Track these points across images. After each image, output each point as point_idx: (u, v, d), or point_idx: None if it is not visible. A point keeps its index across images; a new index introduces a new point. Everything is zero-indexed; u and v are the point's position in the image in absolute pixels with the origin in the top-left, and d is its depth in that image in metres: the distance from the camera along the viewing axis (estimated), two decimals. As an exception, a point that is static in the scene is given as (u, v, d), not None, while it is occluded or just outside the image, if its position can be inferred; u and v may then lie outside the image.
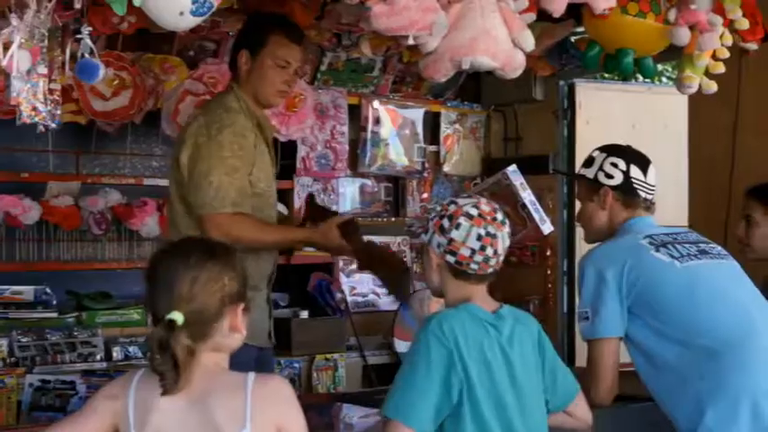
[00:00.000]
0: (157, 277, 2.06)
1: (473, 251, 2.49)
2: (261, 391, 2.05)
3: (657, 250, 2.90)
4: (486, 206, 2.53)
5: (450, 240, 2.50)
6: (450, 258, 2.51)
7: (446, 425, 2.44)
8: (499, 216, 2.53)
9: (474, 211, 2.51)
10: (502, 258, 2.54)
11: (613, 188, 3.05)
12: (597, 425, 2.67)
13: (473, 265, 2.50)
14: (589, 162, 3.13)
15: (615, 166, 3.06)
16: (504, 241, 2.53)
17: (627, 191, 3.04)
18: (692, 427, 2.74)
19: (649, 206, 3.08)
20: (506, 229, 2.54)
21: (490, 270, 2.52)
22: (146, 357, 3.38)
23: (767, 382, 2.74)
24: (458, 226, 2.49)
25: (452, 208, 2.53)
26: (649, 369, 2.87)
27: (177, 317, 1.99)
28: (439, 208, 2.58)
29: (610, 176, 3.05)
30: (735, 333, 2.79)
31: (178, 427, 2.03)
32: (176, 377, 1.99)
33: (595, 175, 3.08)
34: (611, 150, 3.11)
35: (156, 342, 1.98)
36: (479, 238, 2.48)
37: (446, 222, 2.51)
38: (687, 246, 2.95)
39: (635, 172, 3.05)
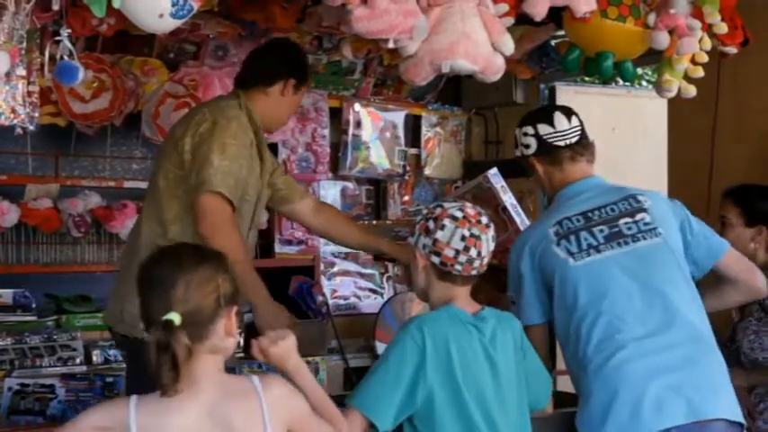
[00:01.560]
0: (151, 282, 2.07)
1: (457, 252, 2.55)
2: (271, 393, 2.10)
3: (559, 243, 2.90)
4: (471, 209, 2.59)
5: (435, 241, 2.56)
6: (435, 259, 2.57)
7: (418, 425, 2.48)
8: (484, 219, 2.59)
9: (459, 214, 2.57)
10: (486, 261, 2.60)
11: (535, 155, 3.07)
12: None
13: (457, 266, 2.56)
14: (514, 143, 3.17)
15: (527, 134, 3.08)
16: (487, 244, 2.58)
17: (545, 150, 3.04)
18: None
19: (574, 155, 3.04)
20: (491, 232, 2.60)
21: (474, 272, 2.58)
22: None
23: (616, 388, 2.72)
24: (442, 227, 2.56)
25: (438, 211, 2.60)
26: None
27: (174, 317, 2.00)
28: (425, 211, 2.64)
29: (527, 146, 3.08)
30: (602, 346, 2.78)
31: None
32: (176, 377, 1.99)
33: (521, 151, 3.11)
34: (521, 122, 3.13)
35: (154, 344, 1.99)
36: (463, 238, 2.54)
37: (431, 224, 2.58)
38: (599, 229, 2.91)
39: (543, 129, 3.05)
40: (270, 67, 3.38)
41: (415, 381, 2.45)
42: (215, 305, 2.06)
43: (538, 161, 3.08)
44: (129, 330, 3.14)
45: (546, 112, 3.14)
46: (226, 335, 2.09)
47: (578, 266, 2.87)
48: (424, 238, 2.58)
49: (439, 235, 2.55)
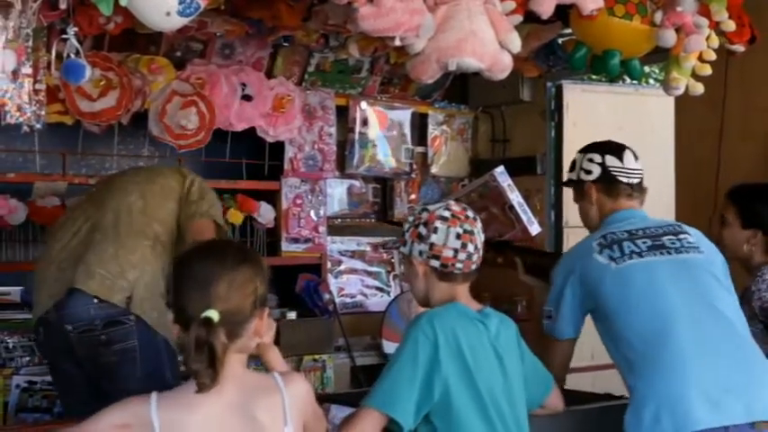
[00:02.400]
0: (191, 277, 2.07)
1: (455, 251, 2.56)
2: (292, 391, 2.13)
3: (601, 252, 2.92)
4: (455, 206, 2.62)
5: (432, 245, 2.57)
6: (435, 263, 2.58)
7: (435, 422, 2.47)
8: (470, 213, 2.62)
9: (447, 213, 2.59)
10: (482, 253, 2.61)
11: (594, 182, 3.10)
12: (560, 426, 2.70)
13: (458, 265, 2.57)
14: (572, 166, 3.20)
15: (592, 161, 3.11)
16: (480, 236, 2.61)
17: (607, 180, 3.09)
18: None
19: (632, 192, 3.09)
20: (479, 224, 2.62)
21: (474, 267, 2.60)
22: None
23: (670, 388, 2.72)
24: (435, 230, 2.57)
25: (425, 215, 2.61)
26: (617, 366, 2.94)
27: (214, 314, 2.01)
28: (412, 218, 2.65)
29: (589, 172, 3.11)
30: (650, 334, 2.80)
31: None
32: (213, 374, 2.00)
33: (578, 175, 3.14)
34: (587, 148, 3.18)
35: (193, 340, 1.99)
36: (458, 236, 2.56)
37: (423, 229, 2.59)
38: (642, 241, 2.94)
39: (610, 160, 3.09)
40: None
41: (431, 375, 2.45)
42: (252, 306, 2.09)
43: (595, 188, 3.11)
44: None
45: (617, 146, 3.16)
46: (255, 335, 2.12)
47: (620, 268, 2.88)
48: (419, 244, 2.58)
49: (434, 238, 2.56)
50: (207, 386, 2.00)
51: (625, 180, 3.08)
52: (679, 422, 2.67)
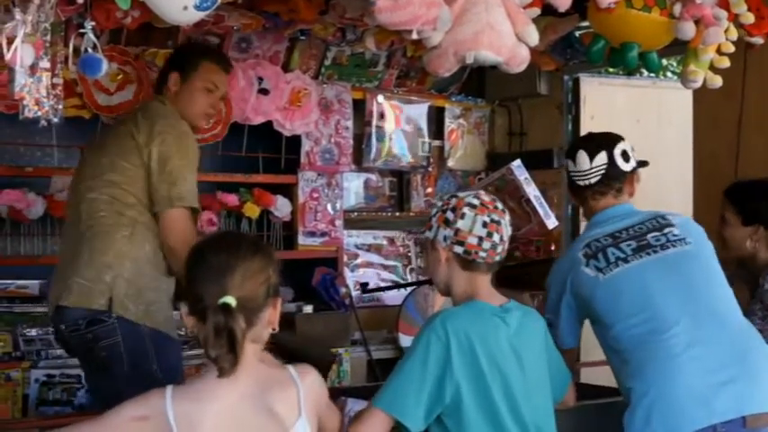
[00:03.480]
0: (206, 266, 2.10)
1: (480, 239, 2.53)
2: (306, 383, 2.17)
3: (588, 263, 2.91)
4: (486, 197, 2.59)
5: (457, 231, 2.54)
6: (459, 249, 2.55)
7: (446, 422, 2.46)
8: (499, 205, 2.60)
9: (476, 201, 2.56)
10: (507, 246, 2.59)
11: (570, 189, 3.14)
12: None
13: (482, 254, 2.54)
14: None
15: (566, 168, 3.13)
16: (507, 228, 2.59)
17: (571, 186, 3.10)
18: None
19: (595, 194, 3.04)
20: (507, 216, 2.60)
21: (497, 258, 2.57)
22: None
23: (661, 388, 2.72)
24: (462, 216, 2.54)
25: (454, 201, 2.59)
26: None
27: (231, 300, 2.04)
28: (440, 204, 2.63)
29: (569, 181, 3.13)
30: (644, 339, 2.79)
31: (237, 424, 2.07)
32: (234, 359, 2.03)
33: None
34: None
35: (212, 327, 2.02)
36: (485, 225, 2.53)
37: (450, 215, 2.56)
38: (627, 244, 2.92)
39: (570, 165, 3.08)
40: (162, 71, 3.61)
41: (442, 377, 2.42)
42: (265, 294, 2.12)
43: (573, 195, 3.17)
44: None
45: (574, 146, 3.13)
46: (268, 324, 2.15)
47: (608, 279, 2.87)
48: (444, 229, 2.56)
49: (460, 224, 2.53)
50: (227, 371, 2.03)
51: (581, 183, 3.04)
52: (670, 423, 2.67)
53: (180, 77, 3.47)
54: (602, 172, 3.03)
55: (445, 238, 2.56)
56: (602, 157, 3.03)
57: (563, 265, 3.03)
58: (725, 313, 2.86)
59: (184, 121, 3.40)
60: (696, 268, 2.92)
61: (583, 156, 3.04)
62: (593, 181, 3.03)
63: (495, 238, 2.54)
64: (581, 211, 3.16)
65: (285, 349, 2.99)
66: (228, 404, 2.07)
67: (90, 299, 3.17)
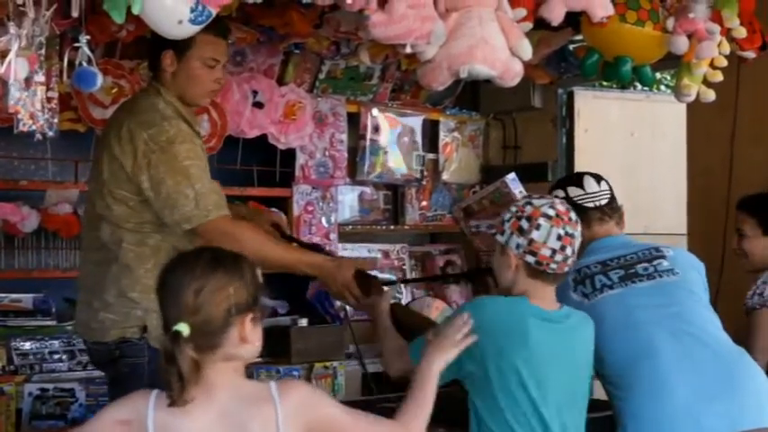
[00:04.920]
0: (166, 288, 2.05)
1: (554, 251, 2.56)
2: (288, 400, 2.05)
3: (575, 289, 2.92)
4: (560, 206, 2.61)
5: (531, 241, 2.56)
6: (531, 258, 2.57)
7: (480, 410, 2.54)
8: (573, 216, 2.61)
9: (552, 212, 2.57)
10: (576, 258, 2.63)
11: None
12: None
13: (552, 265, 2.57)
14: None
15: (557, 197, 3.08)
16: (578, 240, 2.61)
17: (576, 212, 3.06)
18: None
19: (603, 216, 3.06)
20: (579, 227, 2.62)
21: (566, 269, 2.61)
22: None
23: (652, 410, 2.73)
24: (538, 227, 2.55)
25: (529, 209, 2.58)
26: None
27: (183, 328, 1.97)
28: (514, 209, 2.62)
29: None
30: (630, 361, 2.80)
31: None
32: (182, 388, 1.97)
33: None
34: (552, 187, 3.17)
35: (163, 353, 1.97)
36: (559, 238, 2.55)
37: (525, 223, 2.57)
38: (615, 272, 2.93)
39: (573, 191, 3.08)
40: (152, 51, 3.21)
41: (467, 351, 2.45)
42: (225, 314, 2.02)
43: None
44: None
45: (576, 176, 3.17)
46: (240, 342, 2.04)
47: (593, 304, 2.88)
48: (518, 237, 2.57)
49: (535, 235, 2.55)
50: (178, 400, 1.97)
51: (591, 204, 3.05)
52: None
53: (175, 56, 3.11)
54: (609, 195, 3.08)
55: (518, 246, 2.58)
56: (606, 184, 3.11)
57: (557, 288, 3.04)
58: (711, 333, 2.87)
59: (174, 118, 3.09)
60: (680, 294, 2.93)
61: (589, 180, 3.09)
62: (602, 202, 3.06)
63: (568, 251, 2.57)
64: None
65: (394, 315, 3.05)
66: (207, 421, 2.02)
67: (124, 330, 3.08)
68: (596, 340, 2.81)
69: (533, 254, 2.56)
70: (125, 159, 3.03)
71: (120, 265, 3.08)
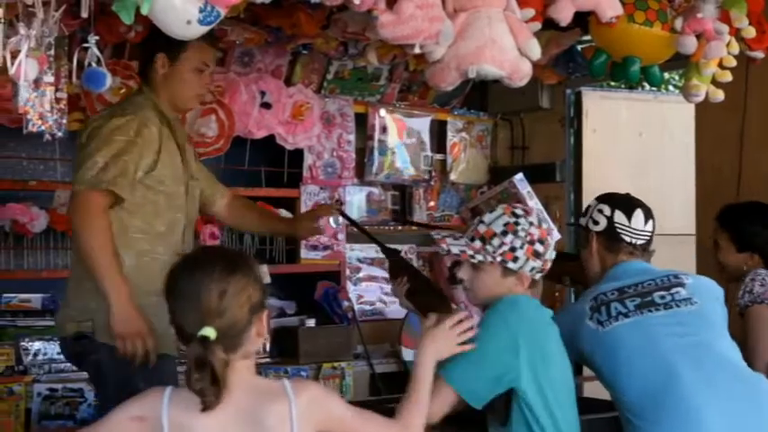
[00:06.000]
0: (181, 292, 2.03)
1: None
2: (302, 397, 2.08)
3: (591, 317, 2.91)
4: (543, 214, 2.92)
5: (545, 261, 2.69)
6: (539, 274, 2.72)
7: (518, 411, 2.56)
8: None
9: (546, 225, 2.80)
10: None
11: (598, 234, 3.08)
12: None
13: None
14: (585, 211, 3.20)
15: (601, 212, 3.09)
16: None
17: (609, 236, 3.06)
18: None
19: (633, 251, 3.05)
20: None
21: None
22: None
23: None
24: (549, 246, 2.70)
25: (536, 232, 2.68)
26: None
27: (210, 332, 1.98)
28: (523, 234, 2.66)
29: (596, 222, 3.09)
30: (652, 389, 2.77)
31: None
32: (217, 392, 1.98)
33: (586, 222, 3.13)
34: (601, 198, 3.16)
35: (192, 360, 1.97)
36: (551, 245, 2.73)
37: (539, 247, 2.67)
38: (631, 300, 2.91)
39: (618, 217, 3.05)
40: (144, 53, 3.32)
41: (505, 361, 2.53)
42: (248, 315, 2.05)
43: (597, 240, 3.10)
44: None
45: (630, 203, 3.11)
46: (257, 337, 2.09)
47: (607, 332, 2.87)
48: (534, 261, 2.66)
49: (548, 255, 2.69)
50: (212, 404, 1.98)
51: (628, 239, 3.04)
52: None
53: (167, 59, 3.19)
54: (648, 238, 3.07)
55: (532, 269, 2.67)
56: (651, 225, 3.08)
57: (571, 314, 3.04)
58: (731, 360, 2.85)
59: (147, 108, 3.15)
60: (698, 323, 2.90)
61: (639, 216, 3.06)
62: (639, 242, 3.05)
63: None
64: (593, 250, 3.12)
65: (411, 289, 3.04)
66: (222, 419, 2.03)
67: (79, 324, 3.07)
68: (613, 368, 2.83)
69: (542, 270, 2.70)
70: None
71: (77, 251, 3.10)
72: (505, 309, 2.61)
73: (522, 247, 2.64)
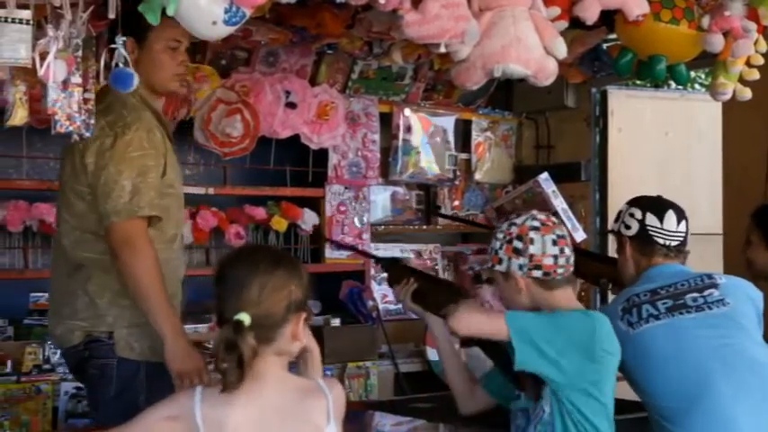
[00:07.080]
0: (226, 280, 2.11)
1: (555, 257, 2.62)
2: (334, 393, 2.16)
3: (622, 318, 2.89)
4: (541, 215, 2.67)
5: (531, 257, 2.61)
6: (537, 273, 2.62)
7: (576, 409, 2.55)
8: (555, 219, 2.71)
9: (536, 223, 2.64)
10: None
11: (631, 238, 3.05)
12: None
13: (559, 270, 2.63)
14: (617, 216, 3.16)
15: (632, 216, 3.05)
16: (569, 237, 2.69)
17: (642, 239, 3.03)
18: None
19: (668, 253, 3.01)
20: (564, 227, 2.71)
21: (572, 268, 2.67)
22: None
23: None
24: (531, 241, 2.61)
25: (515, 229, 2.64)
26: None
27: (245, 318, 2.04)
28: (501, 235, 2.66)
29: (628, 227, 3.06)
30: (685, 393, 2.76)
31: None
32: (239, 375, 2.03)
33: (618, 227, 3.10)
34: (632, 202, 3.12)
35: (223, 342, 2.03)
36: (555, 243, 2.62)
37: (518, 243, 2.62)
38: (663, 302, 2.89)
39: (650, 219, 3.02)
40: (111, 41, 2.91)
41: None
42: (285, 311, 2.10)
43: (630, 244, 3.06)
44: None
45: (661, 205, 3.08)
46: (292, 339, 2.13)
47: (637, 334, 2.85)
48: (517, 259, 2.61)
49: (532, 249, 2.60)
50: (232, 384, 2.02)
51: (661, 242, 3.01)
52: None
53: (135, 43, 2.92)
54: (682, 239, 3.03)
55: (521, 267, 2.62)
56: (684, 225, 3.04)
57: (604, 314, 3.01)
58: (765, 364, 2.82)
59: (137, 107, 2.99)
60: (729, 326, 2.87)
61: (671, 217, 3.02)
62: (673, 244, 3.01)
63: (567, 251, 2.63)
64: (627, 254, 3.10)
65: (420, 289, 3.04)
66: (254, 415, 2.07)
67: (92, 330, 3.03)
68: (643, 370, 2.81)
69: (538, 267, 2.61)
70: (82, 148, 2.94)
71: (89, 273, 3.02)
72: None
73: (501, 248, 2.65)
